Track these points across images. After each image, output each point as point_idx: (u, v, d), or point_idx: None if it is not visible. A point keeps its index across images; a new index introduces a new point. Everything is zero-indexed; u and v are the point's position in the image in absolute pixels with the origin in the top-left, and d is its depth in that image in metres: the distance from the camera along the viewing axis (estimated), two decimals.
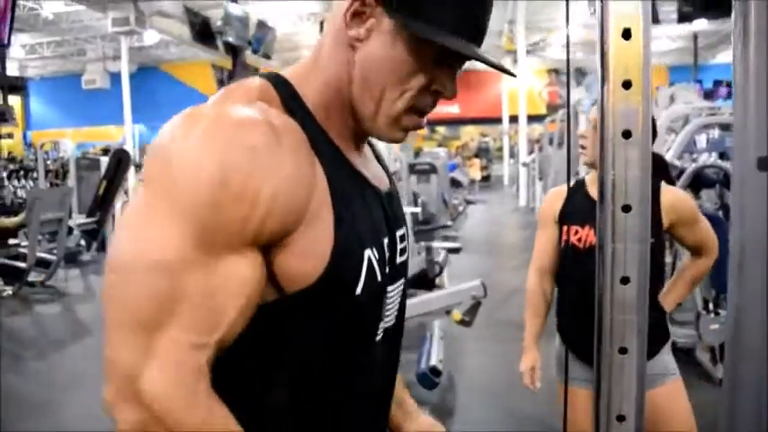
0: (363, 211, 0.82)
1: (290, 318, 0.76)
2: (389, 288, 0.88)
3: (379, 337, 0.87)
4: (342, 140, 0.84)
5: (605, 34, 0.72)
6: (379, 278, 0.82)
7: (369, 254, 0.80)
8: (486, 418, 3.42)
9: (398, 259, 0.90)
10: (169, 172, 0.69)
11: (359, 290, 0.78)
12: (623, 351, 0.75)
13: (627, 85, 0.72)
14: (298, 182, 0.71)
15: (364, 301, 0.80)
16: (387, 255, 0.85)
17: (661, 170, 1.93)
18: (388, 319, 0.90)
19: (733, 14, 0.97)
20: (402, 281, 0.92)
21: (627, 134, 0.72)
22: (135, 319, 0.66)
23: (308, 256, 0.74)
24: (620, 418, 0.76)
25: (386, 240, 0.86)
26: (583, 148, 1.88)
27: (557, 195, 2.07)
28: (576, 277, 1.90)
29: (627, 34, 0.71)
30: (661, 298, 1.95)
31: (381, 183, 0.91)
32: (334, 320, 0.79)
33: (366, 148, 0.93)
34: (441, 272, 3.21)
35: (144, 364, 0.65)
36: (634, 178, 0.73)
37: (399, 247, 0.91)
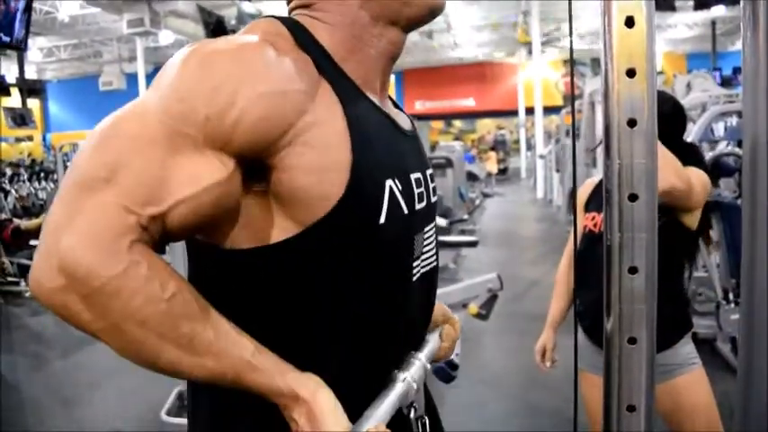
0: (383, 140, 0.82)
1: (317, 252, 0.75)
2: (425, 228, 0.89)
3: (415, 278, 0.87)
4: (364, 82, 0.83)
5: (608, 22, 0.72)
6: (406, 210, 0.81)
7: (390, 183, 0.79)
8: (503, 412, 3.42)
9: (432, 198, 0.92)
10: (160, 73, 0.72)
11: (382, 218, 0.77)
12: (632, 341, 0.74)
13: (631, 73, 0.71)
14: (283, 96, 0.71)
15: (391, 233, 0.79)
16: (416, 190, 0.85)
17: (690, 156, 1.85)
18: (426, 260, 0.90)
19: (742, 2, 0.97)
20: (434, 223, 0.94)
21: (632, 122, 0.71)
22: (78, 179, 0.65)
23: (322, 174, 0.73)
24: (631, 409, 0.76)
25: (414, 176, 0.86)
26: None
27: (588, 185, 2.08)
28: (591, 262, 1.89)
29: (630, 22, 0.71)
30: None
31: (405, 124, 0.92)
32: (362, 252, 0.77)
33: (389, 102, 0.93)
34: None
35: (68, 223, 0.63)
36: (640, 167, 0.72)
37: (431, 186, 0.92)
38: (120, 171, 0.64)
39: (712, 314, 3.70)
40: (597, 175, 2.09)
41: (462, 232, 8.32)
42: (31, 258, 4.46)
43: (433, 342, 0.96)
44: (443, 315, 1.07)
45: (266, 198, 0.75)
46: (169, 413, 3.21)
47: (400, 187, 0.81)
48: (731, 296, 3.72)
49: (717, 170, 3.42)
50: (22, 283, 6.64)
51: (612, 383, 0.76)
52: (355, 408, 0.75)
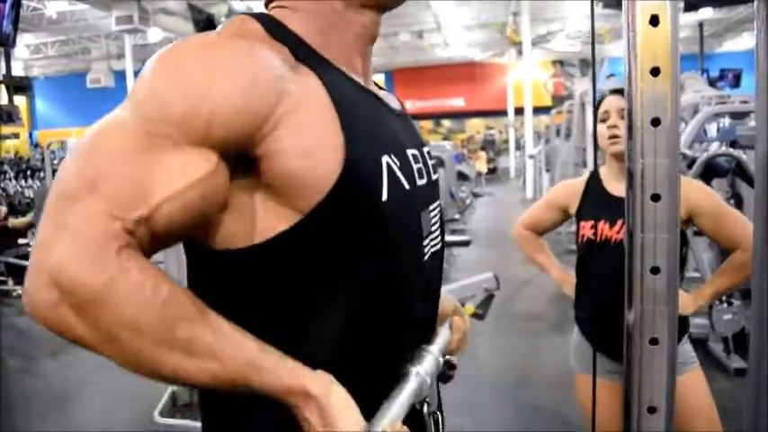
0: (373, 118, 0.81)
1: (321, 238, 0.73)
2: (430, 207, 0.88)
3: (426, 257, 0.86)
4: (347, 64, 0.83)
5: (633, 21, 0.71)
6: (407, 186, 0.80)
7: (387, 159, 0.77)
8: (499, 411, 3.42)
9: (433, 176, 0.91)
10: (136, 81, 0.72)
11: (384, 195, 0.75)
12: (654, 342, 0.74)
13: (655, 72, 0.71)
14: (258, 82, 0.69)
15: (396, 210, 0.77)
16: (415, 166, 0.84)
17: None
18: (434, 239, 0.89)
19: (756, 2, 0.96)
20: (439, 201, 0.93)
21: (656, 122, 0.71)
22: (61, 193, 0.65)
23: (313, 156, 0.71)
24: (652, 410, 0.75)
25: (411, 152, 0.85)
26: (615, 137, 1.85)
27: (571, 189, 2.06)
28: (594, 271, 1.90)
29: (654, 21, 0.70)
30: (697, 291, 1.92)
31: (394, 104, 0.92)
32: (368, 233, 0.75)
33: (374, 87, 0.93)
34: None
35: (55, 236, 0.62)
36: (663, 166, 0.72)
37: (430, 162, 0.91)
38: (101, 180, 0.64)
39: (705, 314, 3.72)
40: (576, 179, 2.13)
41: (453, 232, 8.32)
42: (18, 257, 4.40)
43: (444, 335, 0.94)
44: (452, 306, 1.06)
45: (258, 191, 0.73)
46: (162, 413, 3.18)
47: (398, 163, 0.79)
48: (724, 296, 3.74)
49: (710, 171, 3.43)
50: (10, 282, 6.58)
51: (633, 384, 0.76)
52: (368, 401, 0.73)
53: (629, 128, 0.72)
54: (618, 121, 1.83)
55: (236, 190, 0.72)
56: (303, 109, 0.71)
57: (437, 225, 0.91)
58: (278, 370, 0.69)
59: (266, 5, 0.87)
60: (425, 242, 0.85)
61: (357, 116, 0.76)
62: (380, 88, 0.96)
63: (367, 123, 0.78)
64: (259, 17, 0.80)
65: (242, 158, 0.71)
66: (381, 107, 0.86)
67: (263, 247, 0.73)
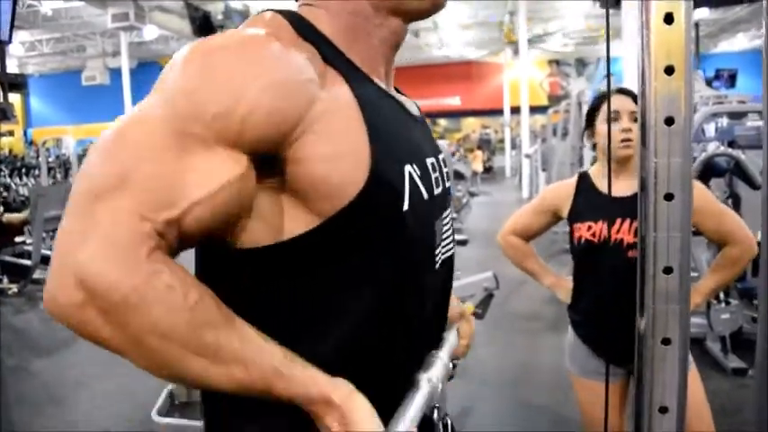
0: (397, 127, 0.81)
1: (341, 243, 0.73)
2: (443, 215, 0.88)
3: (438, 264, 0.86)
4: (370, 69, 0.83)
5: (646, 19, 0.71)
6: (426, 196, 0.80)
7: (409, 169, 0.77)
8: (496, 409, 3.42)
9: (447, 184, 0.91)
10: (163, 74, 0.71)
11: (405, 205, 0.75)
12: (666, 342, 0.74)
13: (669, 70, 0.70)
14: (291, 87, 0.69)
15: (415, 220, 0.77)
16: (432, 176, 0.84)
17: None
18: (446, 246, 0.89)
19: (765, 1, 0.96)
20: (451, 209, 0.93)
21: (669, 121, 0.71)
22: (88, 190, 0.63)
23: (341, 162, 0.71)
24: (663, 410, 0.75)
25: (429, 161, 0.85)
26: (628, 140, 1.82)
27: (561, 191, 2.04)
28: (593, 273, 1.89)
29: (669, 19, 0.70)
30: (695, 288, 1.91)
31: (413, 109, 0.92)
32: (387, 240, 0.75)
33: (394, 91, 0.93)
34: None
35: (83, 236, 0.61)
36: (677, 166, 0.71)
37: (444, 170, 0.91)
38: (130, 178, 0.62)
39: (702, 313, 3.73)
40: (568, 179, 2.09)
41: None
42: (14, 255, 4.36)
43: (451, 339, 0.95)
44: (459, 311, 1.06)
45: (281, 192, 0.73)
46: (160, 413, 3.17)
47: (419, 172, 0.80)
48: (722, 296, 3.75)
49: (708, 171, 3.44)
50: (5, 281, 6.55)
51: (645, 384, 0.76)
52: (381, 406, 0.73)
53: (642, 127, 0.72)
54: (630, 124, 1.81)
55: (259, 190, 0.72)
56: (332, 115, 0.71)
57: (449, 233, 0.92)
58: (301, 378, 0.69)
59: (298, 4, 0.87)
60: (438, 250, 0.86)
61: (383, 124, 0.76)
62: (399, 92, 0.96)
63: (392, 132, 0.78)
64: (288, 15, 0.79)
65: (268, 161, 0.71)
66: (404, 114, 0.87)
67: (280, 248, 0.73)
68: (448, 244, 0.91)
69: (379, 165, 0.72)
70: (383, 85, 0.85)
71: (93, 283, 0.59)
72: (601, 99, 1.98)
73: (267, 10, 0.81)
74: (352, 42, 0.81)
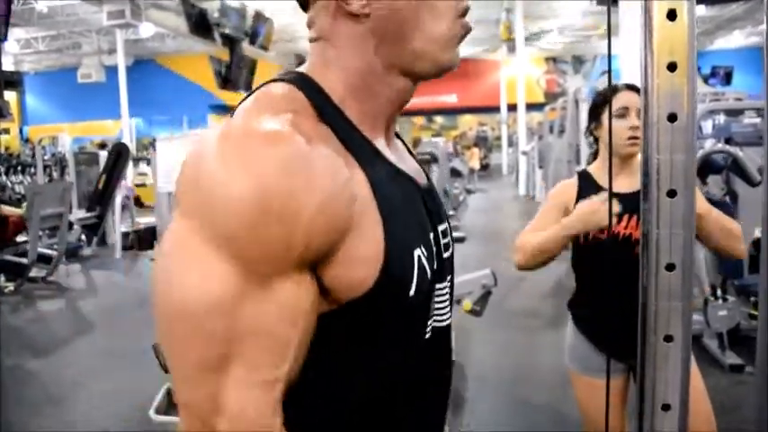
0: (408, 209, 0.80)
1: (345, 327, 0.73)
2: (439, 285, 0.85)
3: (428, 335, 0.84)
4: (376, 133, 0.81)
5: (649, 15, 0.70)
6: (429, 275, 0.79)
7: (418, 252, 0.77)
8: (496, 407, 3.42)
9: (444, 255, 0.87)
10: (204, 202, 0.65)
11: (412, 291, 0.75)
12: (668, 339, 0.73)
13: (672, 67, 0.70)
14: (337, 194, 0.67)
15: (416, 301, 0.77)
16: (434, 250, 0.83)
17: None
18: (440, 317, 0.87)
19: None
20: (450, 277, 0.90)
21: (672, 117, 0.70)
22: (199, 365, 0.64)
23: (358, 263, 0.70)
24: (666, 407, 0.75)
25: (431, 236, 0.83)
26: (635, 138, 1.79)
27: (568, 189, 2.01)
28: (599, 269, 1.88)
29: (672, 15, 0.70)
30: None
31: (419, 177, 0.88)
32: (388, 324, 0.76)
33: (397, 143, 0.91)
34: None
35: (217, 411, 0.64)
36: (679, 163, 0.71)
37: (443, 242, 0.88)
38: (236, 343, 0.64)
39: (700, 310, 3.73)
40: (572, 179, 2.05)
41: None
42: (15, 255, 4.30)
43: None
44: None
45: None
46: (158, 411, 3.16)
47: (426, 254, 0.79)
48: (719, 292, 3.76)
49: (706, 168, 3.44)
50: (1, 279, 6.54)
51: (647, 382, 0.75)
52: None
53: (645, 124, 0.72)
54: (638, 121, 1.79)
55: None
56: (362, 214, 0.70)
57: (446, 299, 0.88)
58: None
59: (310, 40, 0.84)
60: (429, 322, 0.84)
61: (396, 212, 0.75)
62: (401, 141, 0.94)
63: (403, 215, 0.77)
64: (303, 87, 0.77)
65: None
66: (412, 188, 0.83)
67: None
68: (443, 312, 0.88)
69: (392, 257, 0.72)
70: (392, 156, 0.82)
71: None
72: (604, 94, 1.93)
73: (278, 79, 0.79)
74: (363, 102, 0.80)
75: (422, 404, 0.86)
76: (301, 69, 0.82)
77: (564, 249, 1.88)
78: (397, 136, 0.94)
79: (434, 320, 0.85)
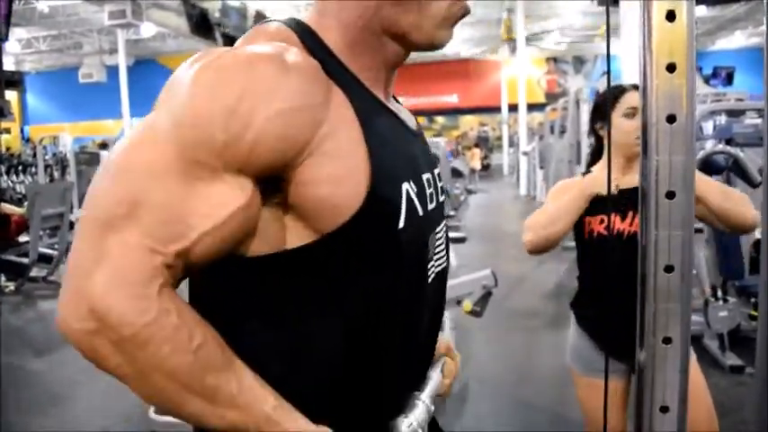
0: (397, 144, 0.81)
1: (336, 259, 0.74)
2: (437, 229, 0.88)
3: (431, 279, 0.86)
4: (372, 82, 0.82)
5: (648, 16, 0.70)
6: (421, 213, 0.80)
7: (407, 187, 0.78)
8: (496, 408, 3.42)
9: (441, 197, 0.91)
10: (170, 90, 0.70)
11: (401, 223, 0.76)
12: (667, 341, 0.73)
13: (671, 68, 0.70)
14: (300, 111, 0.69)
15: (409, 237, 0.78)
16: (428, 191, 0.84)
17: None
18: (439, 261, 0.89)
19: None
20: (444, 222, 0.93)
21: (671, 119, 0.70)
22: (99, 218, 0.65)
23: (342, 183, 0.71)
24: (664, 409, 0.74)
25: (425, 177, 0.85)
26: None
27: (571, 186, 2.01)
28: (605, 266, 1.87)
29: (671, 16, 0.69)
30: None
31: (411, 123, 0.91)
32: (381, 258, 0.76)
33: (398, 105, 0.92)
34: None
35: (95, 265, 0.63)
36: (678, 164, 0.71)
37: (440, 184, 0.91)
38: (139, 207, 0.64)
39: (700, 311, 3.73)
40: (571, 178, 2.04)
41: (448, 229, 8.32)
42: (17, 255, 4.31)
43: (435, 379, 0.94)
44: (445, 345, 1.05)
45: (279, 209, 0.73)
46: (158, 411, 3.17)
47: (415, 189, 0.80)
48: (719, 293, 3.76)
49: (707, 168, 3.44)
50: (2, 279, 6.54)
51: (646, 383, 0.75)
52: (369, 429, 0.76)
53: (643, 125, 0.72)
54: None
55: (261, 208, 0.73)
56: (336, 136, 0.71)
57: (442, 245, 0.91)
58: (288, 426, 0.71)
59: None
60: (430, 264, 0.86)
61: (382, 142, 0.76)
62: (396, 100, 0.95)
63: (390, 148, 0.78)
64: (294, 25, 0.79)
65: (272, 180, 0.71)
66: (403, 129, 0.86)
67: (276, 258, 0.74)
68: (441, 257, 0.90)
69: (378, 184, 0.73)
70: (383, 99, 0.84)
71: (104, 315, 0.61)
72: (618, 92, 1.88)
73: (273, 20, 0.81)
74: (359, 56, 0.81)
75: (414, 340, 0.87)
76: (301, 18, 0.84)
77: (565, 250, 1.87)
78: (396, 99, 0.95)
79: (435, 264, 0.88)
